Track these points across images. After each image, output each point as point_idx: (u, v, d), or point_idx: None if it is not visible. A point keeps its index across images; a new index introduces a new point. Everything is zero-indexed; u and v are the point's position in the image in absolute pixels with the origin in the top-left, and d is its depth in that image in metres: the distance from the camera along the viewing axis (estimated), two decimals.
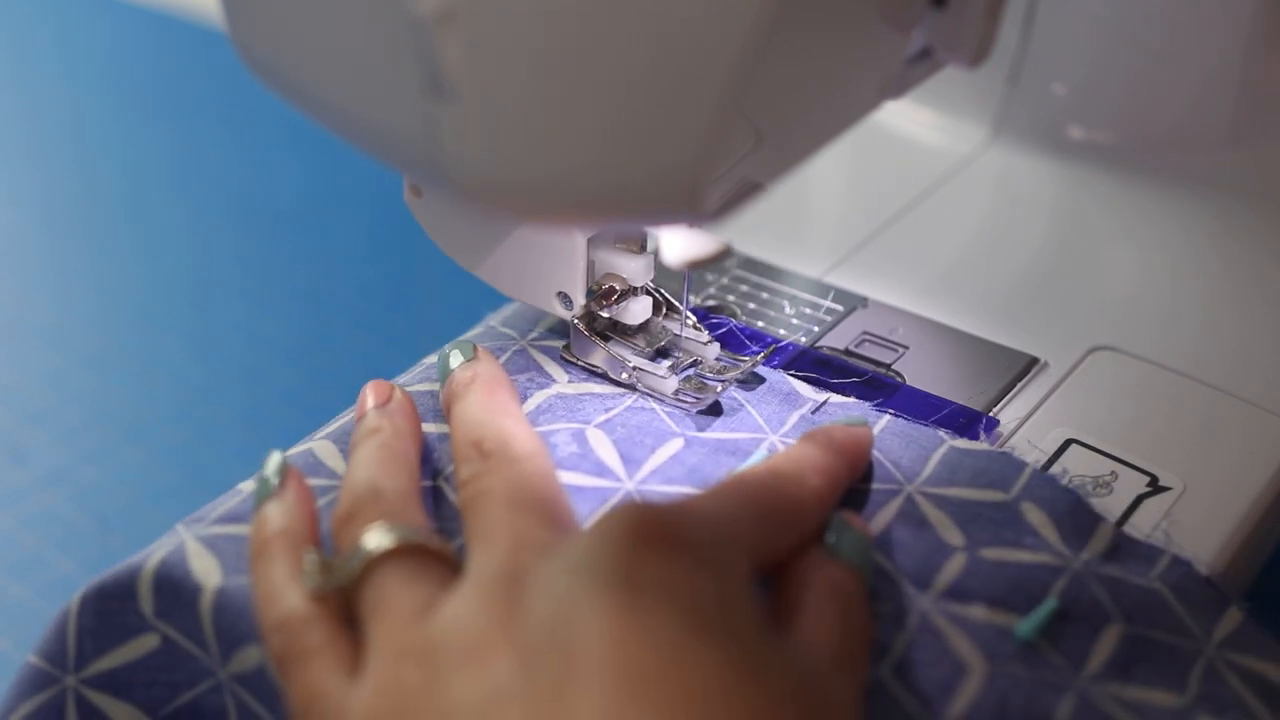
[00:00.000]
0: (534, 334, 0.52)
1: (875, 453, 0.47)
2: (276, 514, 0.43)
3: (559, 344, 0.52)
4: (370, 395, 0.47)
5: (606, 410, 0.49)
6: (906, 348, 0.53)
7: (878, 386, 0.50)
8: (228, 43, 0.40)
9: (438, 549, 0.41)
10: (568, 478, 0.45)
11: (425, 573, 0.40)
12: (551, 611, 0.36)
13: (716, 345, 0.50)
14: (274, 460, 0.45)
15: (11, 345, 0.75)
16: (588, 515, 0.44)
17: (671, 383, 0.49)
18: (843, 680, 0.38)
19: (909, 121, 0.67)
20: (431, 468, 0.46)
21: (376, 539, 0.40)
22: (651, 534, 0.37)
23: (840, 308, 0.55)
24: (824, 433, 0.46)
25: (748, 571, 0.39)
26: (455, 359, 0.49)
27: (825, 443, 0.45)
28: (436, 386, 0.50)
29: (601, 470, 0.46)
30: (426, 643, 0.38)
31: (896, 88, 0.43)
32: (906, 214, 0.63)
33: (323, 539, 0.44)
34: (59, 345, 0.75)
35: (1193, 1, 0.60)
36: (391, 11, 0.34)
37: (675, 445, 0.47)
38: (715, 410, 0.49)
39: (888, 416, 0.49)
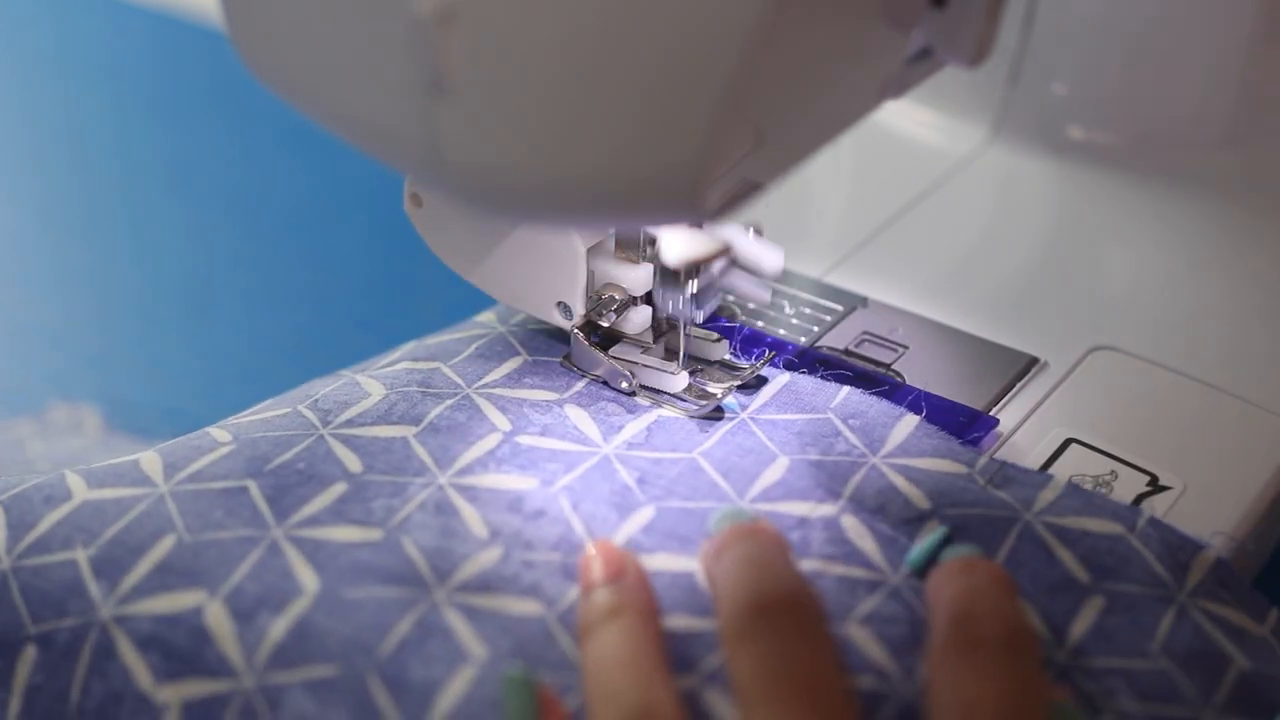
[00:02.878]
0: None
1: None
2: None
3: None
4: (599, 565, 0.42)
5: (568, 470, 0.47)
6: (906, 348, 0.53)
7: (876, 385, 0.50)
8: (228, 43, 0.40)
9: None
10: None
11: None
12: None
13: (725, 343, 0.50)
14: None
15: (12, 345, 0.75)
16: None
17: (681, 380, 0.49)
18: None
19: (909, 121, 0.67)
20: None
21: None
22: None
23: (840, 308, 0.55)
24: (1011, 584, 0.42)
25: None
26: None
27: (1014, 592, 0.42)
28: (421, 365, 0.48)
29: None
30: None
31: (896, 88, 0.43)
32: (906, 214, 0.63)
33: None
34: (59, 345, 0.75)
35: (1193, 2, 0.60)
36: (391, 11, 0.34)
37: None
38: (717, 414, 0.49)
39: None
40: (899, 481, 0.45)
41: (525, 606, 0.42)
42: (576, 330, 0.50)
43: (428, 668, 0.40)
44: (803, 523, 0.44)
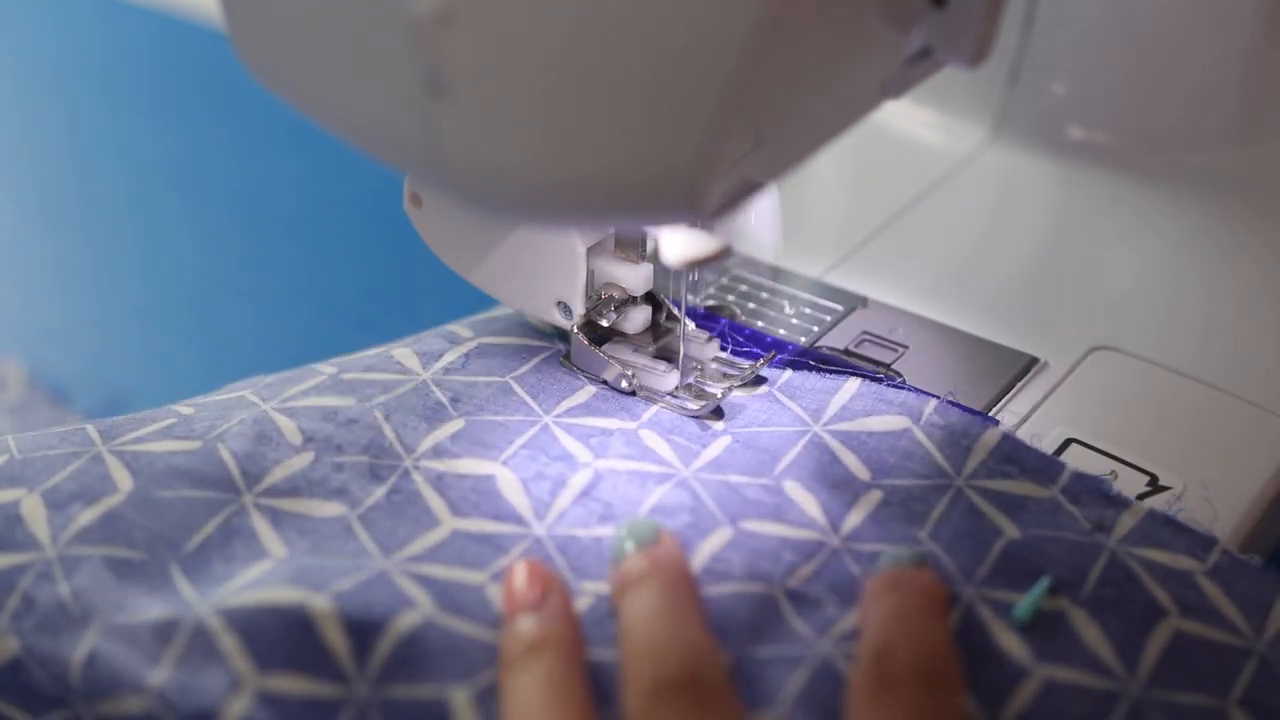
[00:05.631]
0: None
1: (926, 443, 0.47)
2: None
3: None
4: (523, 585, 0.42)
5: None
6: (906, 348, 0.53)
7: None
8: (228, 43, 0.40)
9: None
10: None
11: None
12: None
13: (716, 342, 0.50)
14: None
15: (12, 345, 0.75)
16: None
17: (671, 379, 0.49)
18: None
19: (909, 121, 0.67)
20: (604, 632, 0.41)
21: None
22: None
23: (840, 308, 0.55)
24: (936, 599, 0.42)
25: None
26: (629, 545, 0.43)
27: (941, 613, 0.42)
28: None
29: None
30: None
31: (896, 87, 0.43)
32: (906, 214, 0.63)
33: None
34: (60, 345, 0.75)
35: (1193, 2, 0.60)
36: (391, 11, 0.34)
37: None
38: (716, 414, 0.49)
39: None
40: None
41: (329, 509, 0.44)
42: (576, 330, 0.50)
43: (228, 565, 0.42)
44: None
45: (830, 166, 0.65)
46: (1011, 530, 0.44)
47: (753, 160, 0.39)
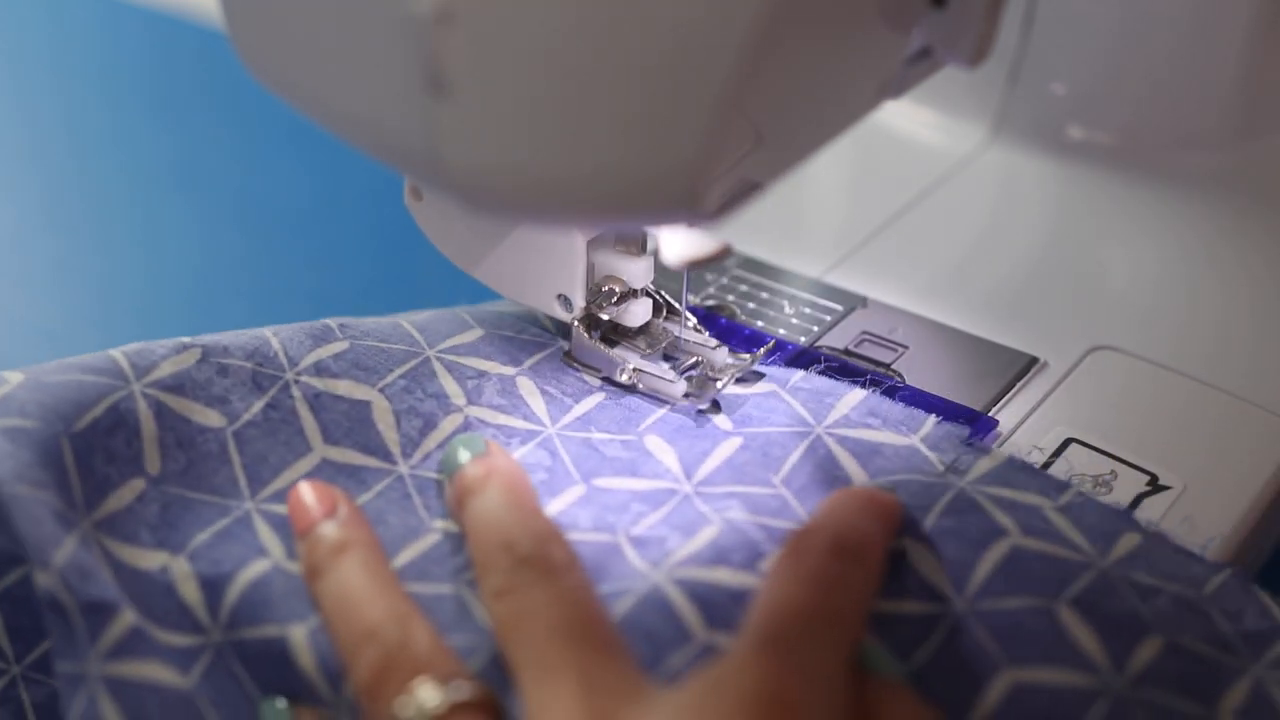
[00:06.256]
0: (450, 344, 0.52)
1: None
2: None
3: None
4: (313, 501, 0.43)
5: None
6: (906, 348, 0.53)
7: (876, 385, 0.50)
8: (228, 43, 0.40)
9: (488, 698, 0.39)
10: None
11: None
12: None
13: (725, 349, 0.50)
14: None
15: (13, 345, 0.75)
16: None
17: (680, 386, 0.49)
18: None
19: (909, 121, 0.67)
20: (448, 570, 0.43)
21: (427, 702, 0.38)
22: (765, 710, 0.36)
23: (840, 308, 0.55)
24: (878, 503, 0.43)
25: None
26: (463, 455, 0.45)
27: (880, 516, 0.43)
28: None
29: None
30: None
31: (896, 87, 0.43)
32: (906, 214, 0.63)
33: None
34: (61, 345, 0.75)
35: (1193, 2, 0.60)
36: (390, 11, 0.34)
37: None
38: (715, 408, 0.49)
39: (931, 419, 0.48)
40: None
41: (209, 416, 0.46)
42: (577, 324, 0.50)
43: (108, 466, 0.44)
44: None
45: (830, 166, 0.65)
46: (861, 476, 0.45)
47: (753, 160, 0.40)
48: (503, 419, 0.48)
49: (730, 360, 0.50)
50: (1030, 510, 0.43)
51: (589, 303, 0.50)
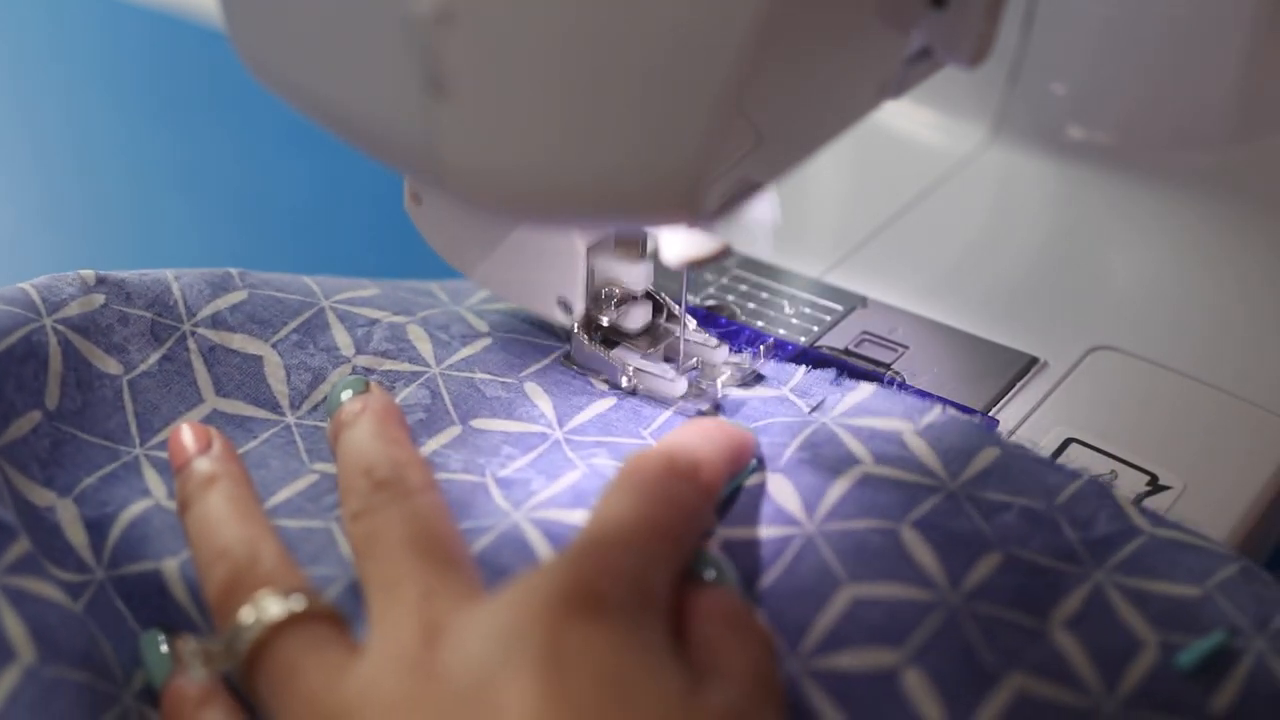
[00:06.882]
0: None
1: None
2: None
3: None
4: (190, 440, 0.45)
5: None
6: (906, 348, 0.53)
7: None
8: (228, 43, 0.40)
9: (328, 611, 0.40)
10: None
11: (324, 637, 0.39)
12: (473, 679, 0.36)
13: (725, 348, 0.50)
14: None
15: None
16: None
17: (680, 385, 0.49)
18: (769, 713, 0.38)
19: (909, 121, 0.67)
20: (321, 506, 0.45)
21: (266, 612, 0.39)
22: (574, 604, 0.37)
23: (840, 308, 0.55)
24: (721, 430, 0.45)
25: (666, 628, 0.38)
26: (345, 394, 0.47)
27: (720, 442, 0.44)
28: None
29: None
30: (345, 708, 0.37)
31: (896, 87, 0.43)
32: (906, 214, 0.63)
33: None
34: None
35: (1193, 1, 0.60)
36: (390, 11, 0.34)
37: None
38: (716, 410, 0.49)
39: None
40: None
41: (108, 364, 0.47)
42: (578, 328, 0.50)
43: (19, 394, 0.45)
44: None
45: (830, 166, 0.65)
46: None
47: (753, 160, 0.40)
48: (389, 364, 0.49)
49: (730, 360, 0.50)
50: (888, 437, 0.44)
51: (589, 307, 0.50)
